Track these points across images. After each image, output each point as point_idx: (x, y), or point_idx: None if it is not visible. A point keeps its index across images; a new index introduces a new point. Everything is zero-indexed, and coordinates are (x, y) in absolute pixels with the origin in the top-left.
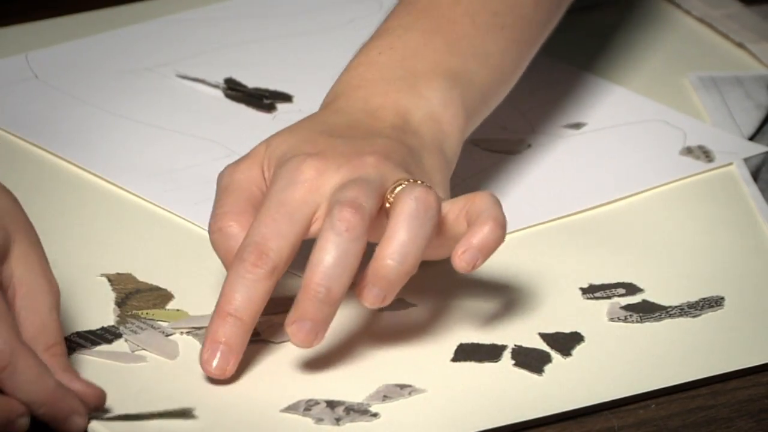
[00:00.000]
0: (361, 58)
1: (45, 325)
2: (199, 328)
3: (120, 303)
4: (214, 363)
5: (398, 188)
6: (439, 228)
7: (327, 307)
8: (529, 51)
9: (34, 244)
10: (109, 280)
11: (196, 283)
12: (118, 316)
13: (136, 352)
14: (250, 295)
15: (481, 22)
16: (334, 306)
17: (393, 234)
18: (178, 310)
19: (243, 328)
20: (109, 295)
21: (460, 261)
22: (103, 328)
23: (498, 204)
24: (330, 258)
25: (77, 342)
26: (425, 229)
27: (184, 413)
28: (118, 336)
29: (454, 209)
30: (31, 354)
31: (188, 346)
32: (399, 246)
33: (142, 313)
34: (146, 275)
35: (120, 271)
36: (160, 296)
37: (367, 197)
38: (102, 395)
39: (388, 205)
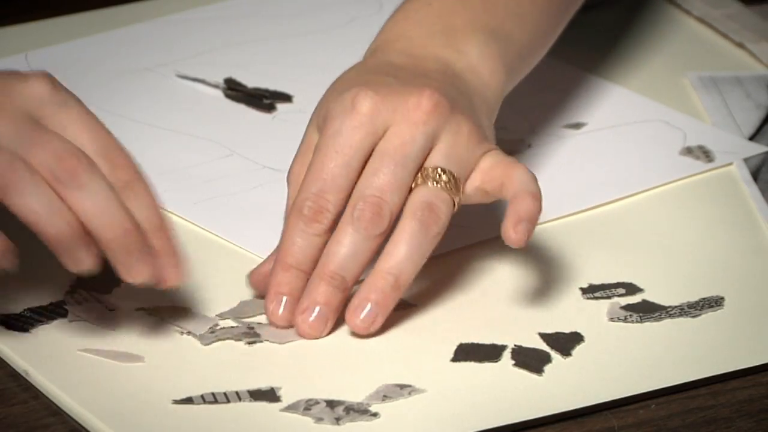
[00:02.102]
0: (398, 16)
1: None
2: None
3: None
4: (280, 312)
5: (421, 183)
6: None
7: (339, 293)
8: (566, 12)
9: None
10: None
11: (195, 283)
12: (70, 286)
13: (73, 322)
14: (310, 249)
15: None
16: (346, 293)
17: (392, 249)
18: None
19: (304, 279)
20: None
21: (516, 234)
22: (51, 304)
23: (532, 179)
24: (345, 250)
25: (33, 317)
26: (424, 248)
27: (269, 394)
28: (63, 313)
29: (491, 184)
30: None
31: (188, 345)
32: (397, 260)
33: (150, 311)
34: None
35: None
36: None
37: (393, 189)
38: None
39: (413, 186)
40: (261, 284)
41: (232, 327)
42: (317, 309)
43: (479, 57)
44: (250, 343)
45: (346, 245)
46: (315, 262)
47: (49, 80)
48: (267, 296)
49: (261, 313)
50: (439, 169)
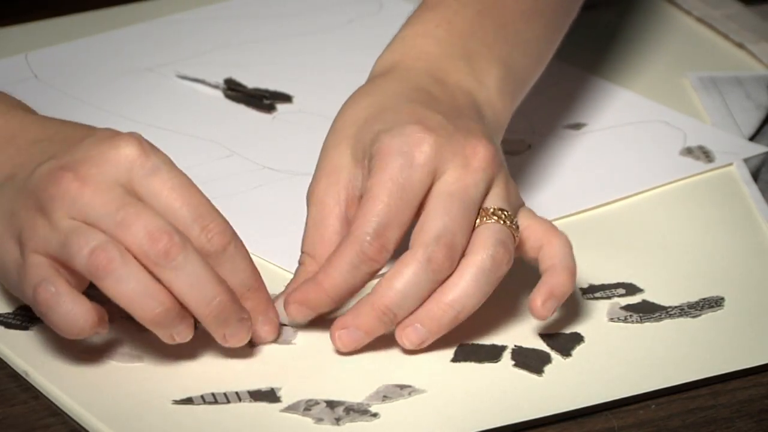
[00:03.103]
0: (417, 28)
1: None
2: None
3: None
4: (298, 320)
5: (486, 220)
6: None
7: (384, 327)
8: (558, 38)
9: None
10: None
11: None
12: None
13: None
14: (354, 282)
15: (525, 8)
16: (391, 327)
17: (459, 281)
18: None
19: (333, 306)
20: None
21: (543, 310)
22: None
23: (571, 251)
24: (408, 288)
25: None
26: (490, 286)
27: (269, 395)
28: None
29: (530, 241)
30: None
31: (187, 345)
32: (461, 295)
33: None
34: None
35: None
36: None
37: (463, 231)
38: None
39: (476, 225)
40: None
41: None
42: (357, 333)
43: (497, 93)
44: (252, 346)
45: (409, 283)
46: (351, 295)
47: (139, 145)
48: (291, 297)
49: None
50: (501, 210)
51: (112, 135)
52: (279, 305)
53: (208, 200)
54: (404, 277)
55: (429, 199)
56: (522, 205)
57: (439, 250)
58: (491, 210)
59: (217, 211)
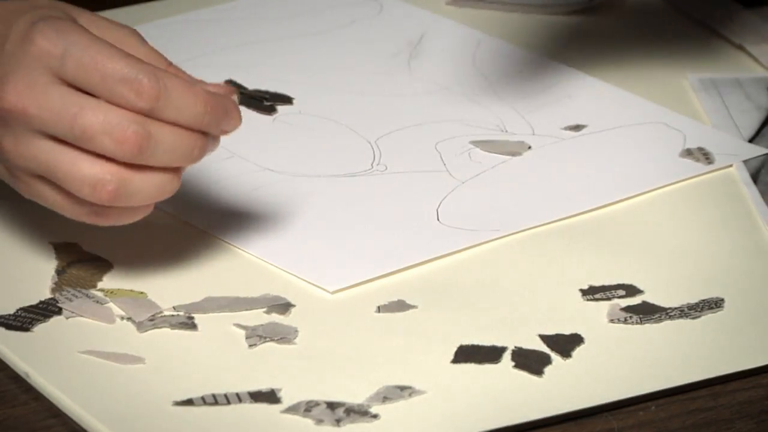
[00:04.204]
0: None
1: (150, 55)
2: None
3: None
4: None
5: None
6: None
7: None
8: None
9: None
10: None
11: (183, 277)
12: (54, 283)
13: (70, 318)
14: None
15: None
16: None
17: None
18: (141, 292)
19: None
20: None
21: None
22: (42, 302)
23: None
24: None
25: (25, 317)
26: None
27: (269, 396)
28: (57, 310)
29: None
30: (171, 73)
31: (189, 343)
32: None
33: (107, 292)
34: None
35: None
36: (99, 266)
37: None
38: (233, 88)
39: None
40: None
41: (172, 315)
42: None
43: None
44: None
45: None
46: None
47: (43, 34)
48: None
49: (219, 311)
50: None
51: (26, 30)
52: None
53: (123, 56)
54: None
55: None
56: None
57: None
58: None
59: (135, 63)
